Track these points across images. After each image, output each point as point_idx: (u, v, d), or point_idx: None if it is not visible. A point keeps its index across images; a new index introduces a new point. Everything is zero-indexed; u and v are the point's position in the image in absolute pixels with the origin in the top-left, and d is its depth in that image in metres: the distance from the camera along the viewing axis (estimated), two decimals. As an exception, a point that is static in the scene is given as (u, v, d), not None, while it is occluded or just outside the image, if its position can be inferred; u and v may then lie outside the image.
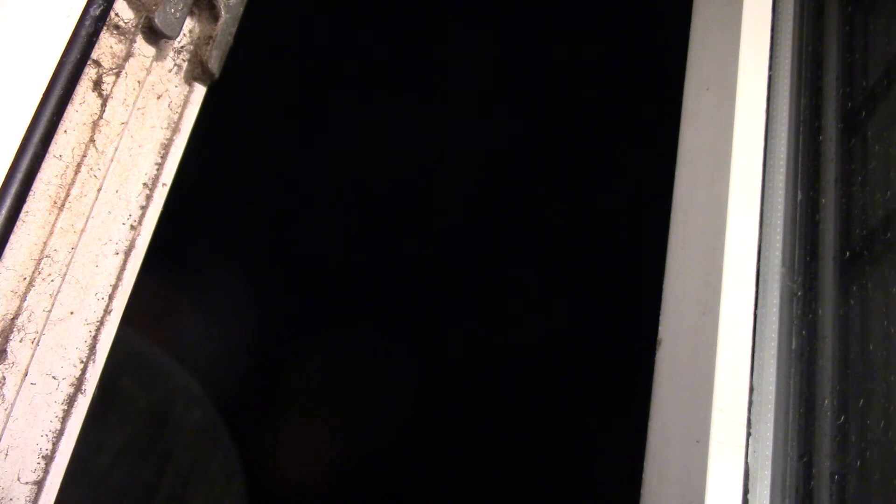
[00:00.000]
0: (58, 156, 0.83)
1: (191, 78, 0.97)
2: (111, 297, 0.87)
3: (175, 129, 0.95)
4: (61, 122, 0.82)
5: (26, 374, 0.79)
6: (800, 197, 1.17)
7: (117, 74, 0.89)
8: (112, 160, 0.88)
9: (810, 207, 1.16)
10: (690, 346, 1.09)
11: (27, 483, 0.79)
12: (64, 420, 0.82)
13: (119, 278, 0.88)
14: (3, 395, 0.77)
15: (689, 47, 1.37)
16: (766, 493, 0.98)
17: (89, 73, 0.86)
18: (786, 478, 1.00)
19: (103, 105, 0.87)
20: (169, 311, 2.76)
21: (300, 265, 3.23)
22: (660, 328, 1.17)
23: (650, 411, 1.12)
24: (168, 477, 2.46)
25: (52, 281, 0.82)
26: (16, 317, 0.79)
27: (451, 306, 3.29)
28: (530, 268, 3.26)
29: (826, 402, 1.03)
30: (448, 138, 3.17)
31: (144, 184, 0.92)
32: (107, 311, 0.87)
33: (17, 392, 0.78)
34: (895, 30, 1.20)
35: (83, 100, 0.86)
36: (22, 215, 0.79)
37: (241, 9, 1.00)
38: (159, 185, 0.93)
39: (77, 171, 0.84)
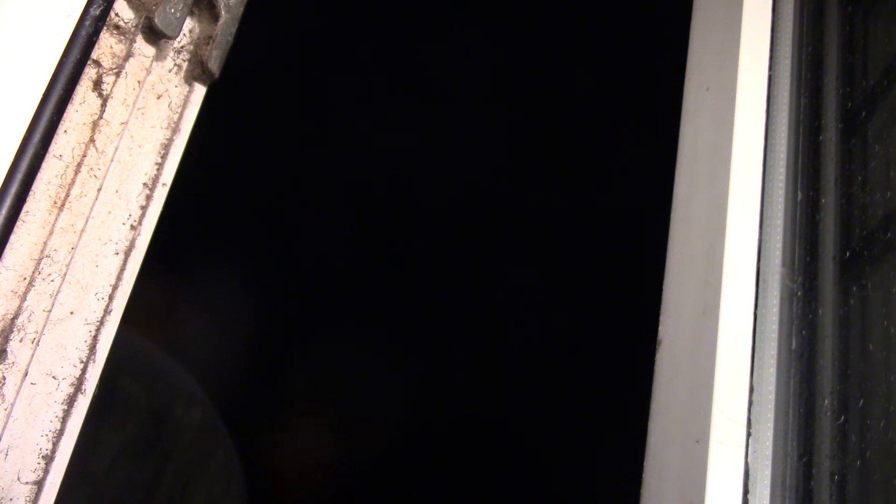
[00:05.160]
0: (58, 156, 0.83)
1: (191, 78, 0.97)
2: (111, 297, 0.87)
3: (175, 129, 0.95)
4: (61, 122, 0.82)
5: (26, 374, 0.79)
6: (800, 197, 1.17)
7: (117, 74, 0.89)
8: (112, 160, 0.88)
9: (810, 207, 1.16)
10: (690, 346, 1.09)
11: (27, 483, 0.79)
12: (64, 420, 0.82)
13: (119, 278, 0.88)
14: (3, 395, 0.77)
15: (689, 47, 1.37)
16: (766, 493, 0.98)
17: (89, 73, 0.86)
18: (786, 478, 1.00)
19: (103, 105, 0.87)
20: (169, 311, 2.76)
21: (300, 265, 3.23)
22: (660, 328, 1.17)
23: (650, 411, 1.12)
24: (168, 477, 2.46)
25: (52, 281, 0.82)
26: (16, 317, 0.79)
27: (451, 306, 3.29)
28: (530, 268, 3.26)
29: (826, 402, 1.03)
30: (448, 139, 3.17)
31: (144, 184, 0.92)
32: (107, 311, 0.87)
33: (17, 392, 0.78)
34: (895, 30, 1.20)
35: (83, 100, 0.86)
36: (22, 215, 0.79)
37: (241, 9, 1.00)
38: (159, 185, 0.93)
39: (77, 171, 0.84)
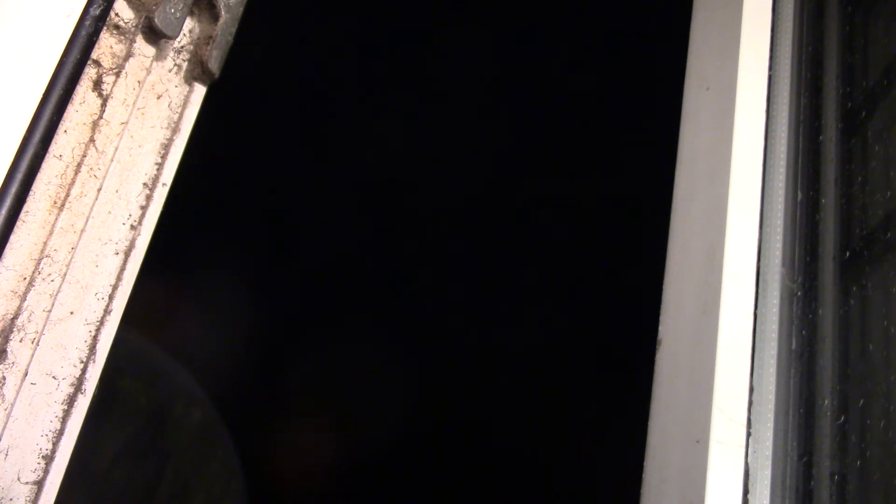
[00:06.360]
0: (58, 156, 0.83)
1: (191, 78, 0.97)
2: (111, 297, 0.87)
3: (175, 129, 0.95)
4: (61, 122, 0.82)
5: (26, 374, 0.79)
6: (800, 197, 1.17)
7: (117, 74, 0.89)
8: (112, 160, 0.88)
9: (810, 207, 1.16)
10: (690, 346, 1.09)
11: (27, 483, 0.79)
12: (64, 420, 0.82)
13: (119, 278, 0.88)
14: (3, 395, 0.77)
15: (689, 47, 1.37)
16: (766, 493, 0.98)
17: (89, 73, 0.86)
18: (786, 478, 1.00)
19: (103, 105, 0.87)
20: (169, 311, 2.76)
21: (300, 265, 3.23)
22: (660, 328, 1.17)
23: (650, 411, 1.12)
24: (168, 477, 2.46)
25: (52, 281, 0.82)
26: (16, 317, 0.79)
27: (451, 306, 3.29)
28: (530, 267, 3.26)
29: (826, 402, 1.03)
30: (447, 139, 3.17)
31: (144, 184, 0.92)
32: (107, 311, 0.87)
33: (17, 392, 0.78)
34: (895, 30, 1.20)
35: (83, 100, 0.86)
36: (22, 215, 0.79)
37: (241, 9, 1.00)
38: (159, 185, 0.93)
39: (77, 171, 0.84)
